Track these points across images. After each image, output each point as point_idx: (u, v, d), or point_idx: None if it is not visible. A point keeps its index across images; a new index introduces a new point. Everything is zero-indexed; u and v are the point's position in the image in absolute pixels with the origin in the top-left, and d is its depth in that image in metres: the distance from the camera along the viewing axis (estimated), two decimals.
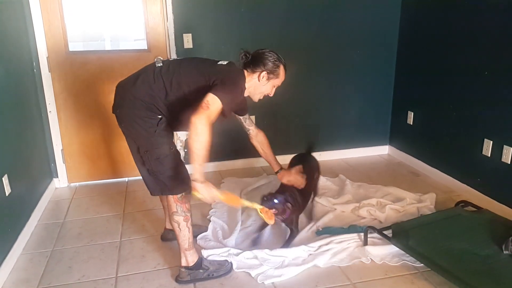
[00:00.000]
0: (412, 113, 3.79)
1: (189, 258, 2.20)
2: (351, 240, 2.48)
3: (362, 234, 2.47)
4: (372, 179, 3.54)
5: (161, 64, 2.05)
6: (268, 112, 3.84)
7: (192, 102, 1.94)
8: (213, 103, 1.87)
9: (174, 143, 2.10)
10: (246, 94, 2.17)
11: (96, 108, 3.45)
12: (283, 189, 2.52)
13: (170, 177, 2.03)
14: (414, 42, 3.72)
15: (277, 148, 3.92)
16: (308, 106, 3.95)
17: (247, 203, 2.16)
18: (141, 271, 2.32)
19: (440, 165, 3.48)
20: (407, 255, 2.29)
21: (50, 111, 3.36)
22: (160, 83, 1.98)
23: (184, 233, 2.14)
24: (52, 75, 3.30)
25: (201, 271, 2.21)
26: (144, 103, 1.96)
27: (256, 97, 2.24)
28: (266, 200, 2.29)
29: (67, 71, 3.33)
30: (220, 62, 2.09)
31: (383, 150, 4.25)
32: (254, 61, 2.13)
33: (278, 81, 2.19)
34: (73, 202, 3.26)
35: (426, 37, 3.56)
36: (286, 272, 2.23)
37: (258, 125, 3.88)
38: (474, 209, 2.71)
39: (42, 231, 2.79)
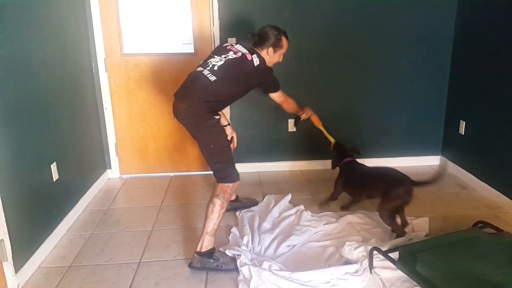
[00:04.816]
0: (464, 123, 3.56)
1: (205, 243, 2.32)
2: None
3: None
4: None
5: (209, 72, 2.36)
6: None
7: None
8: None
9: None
10: None
11: (147, 106, 3.72)
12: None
13: (230, 166, 2.39)
14: (470, 49, 3.48)
15: (319, 153, 3.93)
16: (353, 111, 3.87)
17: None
18: (162, 259, 2.48)
19: (489, 179, 3.23)
20: None
21: (106, 108, 3.69)
22: (211, 86, 2.32)
23: (213, 216, 2.31)
24: (109, 75, 3.62)
25: (211, 260, 2.31)
26: (204, 106, 2.30)
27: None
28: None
29: (122, 71, 3.63)
30: (255, 63, 2.42)
31: (434, 161, 4.03)
32: (261, 40, 2.53)
33: (283, 50, 2.60)
34: (120, 192, 3.55)
35: (483, 43, 3.31)
36: None
37: (299, 129, 3.87)
38: (494, 231, 2.44)
39: (87, 216, 3.09)
